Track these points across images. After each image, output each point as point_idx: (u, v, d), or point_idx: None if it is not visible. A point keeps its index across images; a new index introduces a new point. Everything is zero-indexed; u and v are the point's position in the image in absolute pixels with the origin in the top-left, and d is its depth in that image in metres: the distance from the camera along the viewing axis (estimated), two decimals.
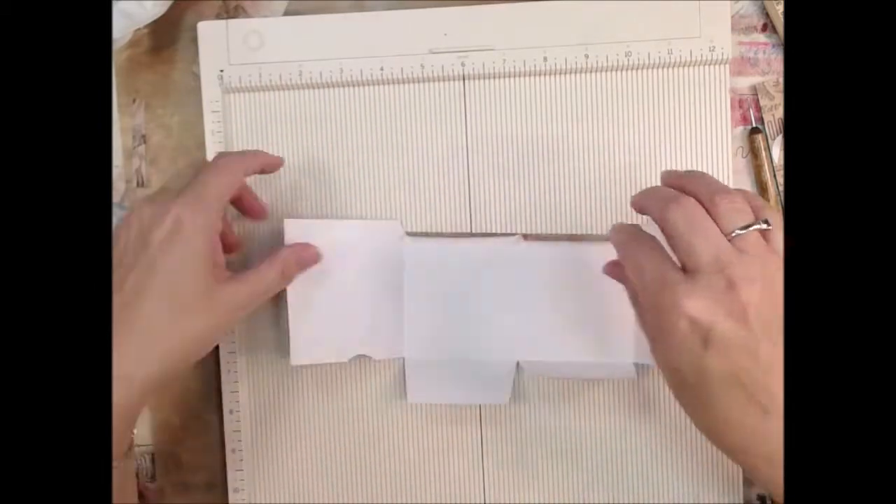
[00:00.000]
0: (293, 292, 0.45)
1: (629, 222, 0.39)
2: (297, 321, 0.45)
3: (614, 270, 0.42)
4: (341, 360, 0.47)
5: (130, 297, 0.36)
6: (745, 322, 0.33)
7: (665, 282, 0.34)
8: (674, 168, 0.46)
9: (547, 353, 0.46)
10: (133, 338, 0.36)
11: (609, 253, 0.40)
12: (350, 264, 0.46)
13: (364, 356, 0.47)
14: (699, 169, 0.47)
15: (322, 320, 0.46)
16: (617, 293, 0.42)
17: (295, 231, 0.45)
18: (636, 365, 0.46)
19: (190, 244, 0.37)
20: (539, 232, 0.47)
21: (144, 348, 0.36)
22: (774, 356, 0.33)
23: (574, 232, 0.47)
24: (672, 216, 0.34)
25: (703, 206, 0.35)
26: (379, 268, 0.47)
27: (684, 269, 0.34)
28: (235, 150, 0.48)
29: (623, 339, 0.46)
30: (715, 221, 0.34)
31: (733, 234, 0.34)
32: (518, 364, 0.47)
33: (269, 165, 0.44)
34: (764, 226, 0.34)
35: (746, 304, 0.33)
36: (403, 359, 0.48)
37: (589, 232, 0.47)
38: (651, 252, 0.35)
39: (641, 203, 0.37)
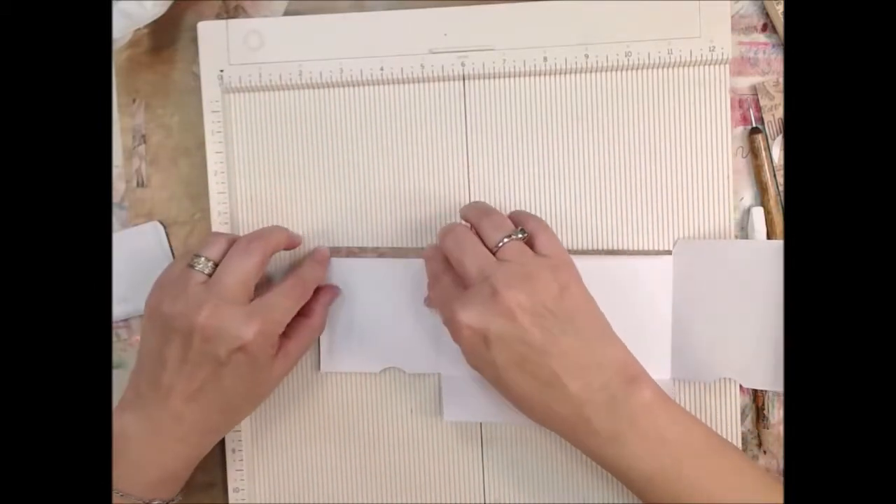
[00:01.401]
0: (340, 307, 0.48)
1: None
2: (335, 331, 0.48)
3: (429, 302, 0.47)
4: (372, 370, 0.48)
5: (196, 389, 0.40)
6: (513, 319, 0.38)
7: (445, 301, 0.40)
8: (674, 169, 0.47)
9: None
10: (201, 416, 0.41)
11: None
12: (383, 286, 0.48)
13: (396, 368, 0.48)
14: (699, 169, 0.47)
15: (355, 329, 0.48)
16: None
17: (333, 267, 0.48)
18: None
19: (254, 362, 0.41)
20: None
21: (210, 424, 0.42)
22: (547, 340, 0.38)
23: (574, 231, 0.47)
24: (446, 242, 0.41)
25: (474, 230, 0.41)
26: (412, 285, 0.47)
27: (464, 286, 0.40)
28: (236, 150, 0.48)
29: (658, 356, 0.46)
30: (481, 240, 0.41)
31: (497, 247, 0.40)
32: None
33: (291, 244, 0.46)
34: (519, 235, 0.40)
35: (510, 304, 0.38)
36: (438, 375, 0.48)
37: (589, 230, 0.47)
38: (437, 270, 0.42)
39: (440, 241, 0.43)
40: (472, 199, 0.48)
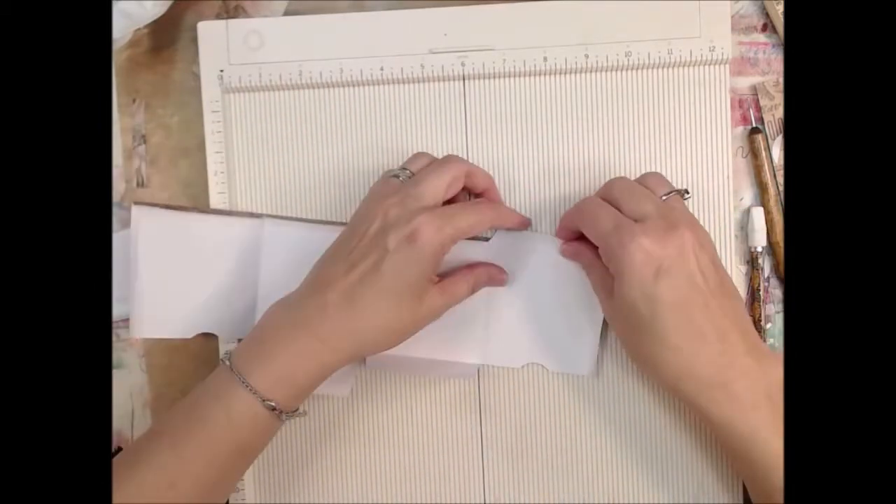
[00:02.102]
0: (145, 266, 0.46)
1: None
2: (142, 294, 0.46)
3: (568, 248, 0.45)
4: (186, 336, 0.48)
5: (354, 281, 0.40)
6: (687, 258, 0.39)
7: (621, 226, 0.40)
8: (674, 169, 0.47)
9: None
10: (347, 314, 0.40)
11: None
12: (208, 251, 0.47)
13: (209, 334, 0.48)
14: (699, 169, 0.47)
15: (170, 296, 0.47)
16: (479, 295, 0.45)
17: (142, 218, 0.46)
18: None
19: (418, 256, 0.40)
20: (540, 230, 0.47)
21: (353, 327, 0.40)
22: (710, 292, 0.39)
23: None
24: (614, 190, 0.42)
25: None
26: (237, 249, 0.47)
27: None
28: (236, 150, 0.48)
29: (470, 341, 0.47)
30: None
31: (662, 197, 0.41)
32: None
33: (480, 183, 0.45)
34: (685, 194, 0.43)
35: (686, 242, 0.39)
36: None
37: None
38: (603, 206, 0.42)
39: (574, 214, 0.44)
40: (472, 199, 0.48)
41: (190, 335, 0.48)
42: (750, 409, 0.39)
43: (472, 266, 0.45)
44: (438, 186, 0.41)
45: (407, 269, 0.40)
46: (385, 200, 0.41)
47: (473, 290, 0.44)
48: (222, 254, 0.47)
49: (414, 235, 0.39)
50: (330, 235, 0.43)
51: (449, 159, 0.43)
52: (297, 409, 0.41)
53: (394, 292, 0.40)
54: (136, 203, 0.47)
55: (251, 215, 0.47)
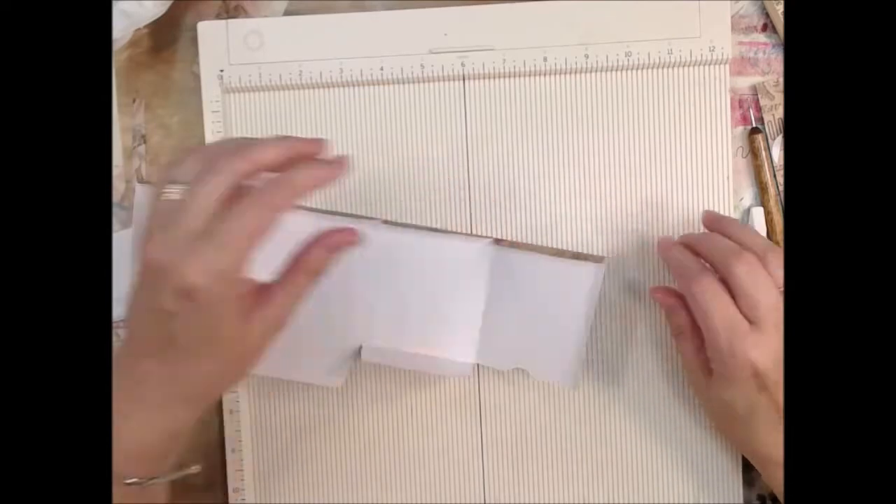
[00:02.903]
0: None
1: (668, 235, 0.45)
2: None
3: (666, 299, 0.44)
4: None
5: (144, 352, 0.35)
6: (779, 364, 0.39)
7: (735, 331, 0.39)
8: (674, 169, 0.47)
9: (389, 340, 0.46)
10: (148, 393, 0.35)
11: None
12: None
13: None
14: (699, 169, 0.47)
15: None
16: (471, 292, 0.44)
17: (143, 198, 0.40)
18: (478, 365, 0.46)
19: (204, 312, 0.33)
20: (540, 231, 0.47)
21: (161, 405, 0.36)
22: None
23: (574, 230, 0.47)
24: (738, 271, 0.39)
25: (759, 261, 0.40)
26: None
27: (747, 319, 0.39)
28: None
29: (464, 340, 0.46)
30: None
31: (781, 290, 0.39)
32: (360, 349, 0.46)
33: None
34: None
35: (778, 348, 0.39)
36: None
37: (589, 230, 0.47)
38: (719, 297, 0.39)
39: (702, 248, 0.42)
40: (472, 199, 0.48)
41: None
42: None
43: (293, 262, 0.36)
44: (208, 200, 0.32)
45: (200, 329, 0.33)
46: (148, 243, 0.33)
47: (319, 272, 0.36)
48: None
49: (187, 290, 0.32)
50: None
51: (217, 156, 0.33)
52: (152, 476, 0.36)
53: (202, 352, 0.34)
54: (141, 182, 0.43)
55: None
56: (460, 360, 0.47)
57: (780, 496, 0.42)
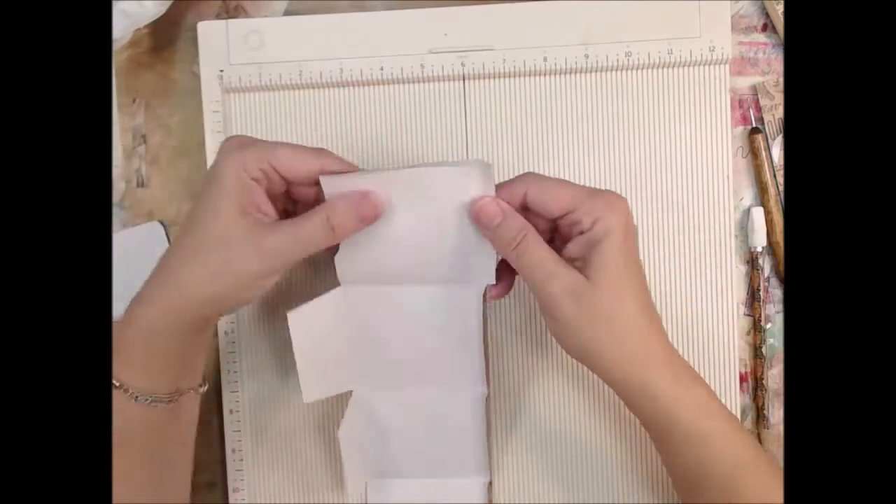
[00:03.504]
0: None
1: None
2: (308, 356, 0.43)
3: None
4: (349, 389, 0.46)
5: (180, 232, 0.39)
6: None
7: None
8: (673, 169, 0.47)
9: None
10: (163, 268, 0.38)
11: None
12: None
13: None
14: (699, 169, 0.47)
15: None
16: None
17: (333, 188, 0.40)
18: None
19: (218, 184, 0.37)
20: None
21: (170, 281, 0.38)
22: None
23: None
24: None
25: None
26: None
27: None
28: None
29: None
30: None
31: None
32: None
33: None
34: None
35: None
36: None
37: None
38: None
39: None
40: None
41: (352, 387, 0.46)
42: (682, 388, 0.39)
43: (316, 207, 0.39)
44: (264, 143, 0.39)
45: (207, 199, 0.37)
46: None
47: (336, 228, 0.38)
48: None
49: (215, 165, 0.38)
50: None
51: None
52: (168, 392, 0.39)
53: (202, 232, 0.37)
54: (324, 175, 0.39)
55: None
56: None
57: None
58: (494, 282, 0.42)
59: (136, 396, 0.38)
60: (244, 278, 0.38)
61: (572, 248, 0.39)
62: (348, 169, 0.39)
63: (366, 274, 0.42)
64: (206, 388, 0.43)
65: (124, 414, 0.37)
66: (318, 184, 0.39)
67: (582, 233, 0.38)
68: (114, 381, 0.37)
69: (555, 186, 0.39)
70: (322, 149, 0.40)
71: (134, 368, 0.38)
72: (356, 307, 0.43)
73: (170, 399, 0.39)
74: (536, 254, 0.38)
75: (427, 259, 0.42)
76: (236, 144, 0.38)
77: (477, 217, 0.39)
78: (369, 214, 0.39)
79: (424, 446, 0.46)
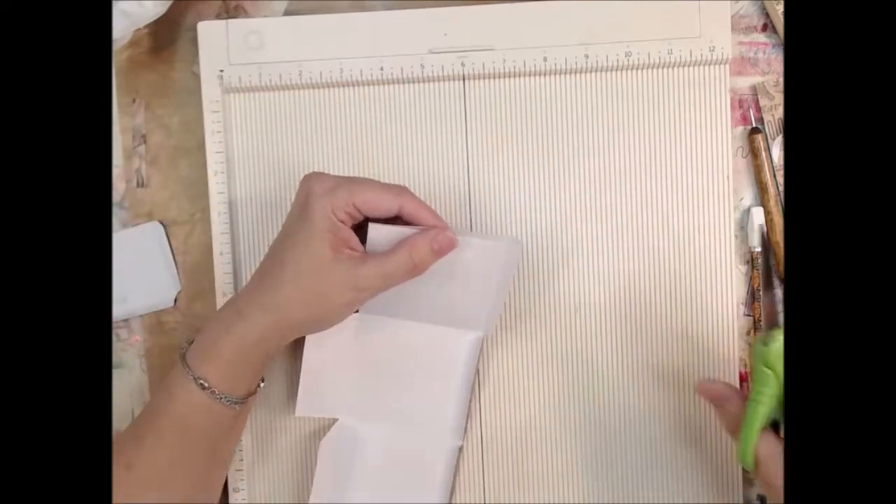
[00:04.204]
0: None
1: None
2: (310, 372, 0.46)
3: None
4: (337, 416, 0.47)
5: (266, 255, 0.42)
6: None
7: None
8: (674, 169, 0.47)
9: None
10: (258, 286, 0.42)
11: None
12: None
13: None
14: (699, 169, 0.47)
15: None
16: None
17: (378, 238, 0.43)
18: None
19: (309, 219, 0.40)
20: (540, 229, 0.47)
21: (266, 300, 0.41)
22: None
23: (574, 231, 0.47)
24: None
25: None
26: None
27: None
28: (236, 150, 0.48)
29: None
30: None
31: None
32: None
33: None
34: None
35: None
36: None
37: (589, 230, 0.47)
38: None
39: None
40: (472, 199, 0.48)
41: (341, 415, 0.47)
42: None
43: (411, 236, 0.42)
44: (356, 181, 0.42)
45: (300, 235, 0.41)
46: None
47: (417, 262, 0.41)
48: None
49: (306, 201, 0.41)
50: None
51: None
52: (245, 394, 0.42)
53: (296, 263, 0.41)
54: (374, 223, 0.43)
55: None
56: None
57: None
58: (484, 333, 0.46)
59: (221, 398, 0.41)
60: (336, 306, 0.42)
61: None
62: (425, 208, 0.42)
63: (383, 305, 0.44)
64: (263, 384, 0.45)
65: (203, 411, 0.41)
66: (396, 217, 0.42)
67: None
68: (202, 382, 0.41)
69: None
70: (402, 188, 0.42)
71: (225, 373, 0.41)
72: (368, 335, 0.46)
73: (244, 400, 0.43)
74: None
75: (436, 299, 0.44)
76: (325, 189, 0.41)
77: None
78: (445, 248, 0.42)
79: (392, 487, 0.47)
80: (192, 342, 0.42)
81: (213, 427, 0.42)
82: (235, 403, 0.42)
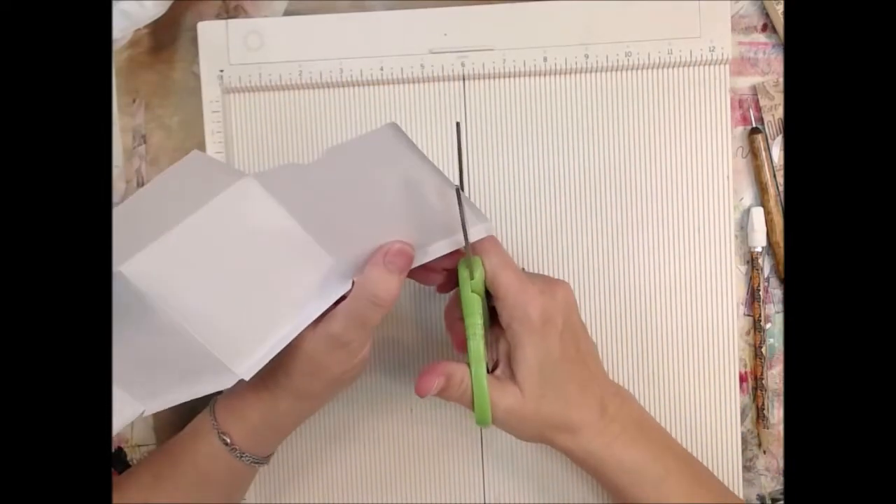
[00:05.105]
0: None
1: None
2: None
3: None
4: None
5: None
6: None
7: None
8: (674, 169, 0.47)
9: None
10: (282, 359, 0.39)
11: None
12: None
13: None
14: (699, 169, 0.47)
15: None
16: None
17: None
18: None
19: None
20: (539, 229, 0.47)
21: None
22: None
23: (574, 231, 0.47)
24: None
25: None
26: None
27: None
28: (236, 150, 0.48)
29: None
30: None
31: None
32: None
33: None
34: None
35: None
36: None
37: (589, 230, 0.47)
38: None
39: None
40: (471, 198, 0.48)
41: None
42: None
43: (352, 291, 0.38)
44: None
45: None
46: None
47: (378, 299, 0.37)
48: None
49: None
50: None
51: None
52: (268, 455, 0.43)
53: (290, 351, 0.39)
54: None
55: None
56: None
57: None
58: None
59: (242, 456, 0.41)
60: (338, 375, 0.40)
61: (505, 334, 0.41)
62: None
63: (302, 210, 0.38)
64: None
65: (223, 466, 0.41)
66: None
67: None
68: (225, 438, 0.41)
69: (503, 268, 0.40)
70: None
71: (248, 434, 0.41)
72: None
73: (267, 459, 0.43)
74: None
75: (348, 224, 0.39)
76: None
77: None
78: (404, 266, 0.38)
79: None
80: (221, 396, 0.42)
81: (231, 480, 0.42)
82: (256, 462, 0.42)
